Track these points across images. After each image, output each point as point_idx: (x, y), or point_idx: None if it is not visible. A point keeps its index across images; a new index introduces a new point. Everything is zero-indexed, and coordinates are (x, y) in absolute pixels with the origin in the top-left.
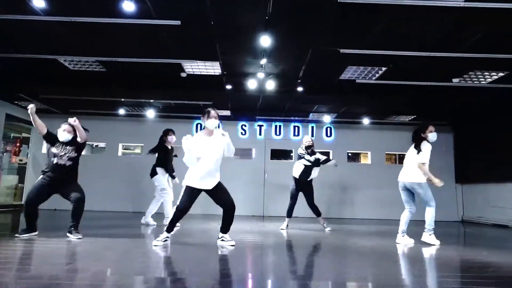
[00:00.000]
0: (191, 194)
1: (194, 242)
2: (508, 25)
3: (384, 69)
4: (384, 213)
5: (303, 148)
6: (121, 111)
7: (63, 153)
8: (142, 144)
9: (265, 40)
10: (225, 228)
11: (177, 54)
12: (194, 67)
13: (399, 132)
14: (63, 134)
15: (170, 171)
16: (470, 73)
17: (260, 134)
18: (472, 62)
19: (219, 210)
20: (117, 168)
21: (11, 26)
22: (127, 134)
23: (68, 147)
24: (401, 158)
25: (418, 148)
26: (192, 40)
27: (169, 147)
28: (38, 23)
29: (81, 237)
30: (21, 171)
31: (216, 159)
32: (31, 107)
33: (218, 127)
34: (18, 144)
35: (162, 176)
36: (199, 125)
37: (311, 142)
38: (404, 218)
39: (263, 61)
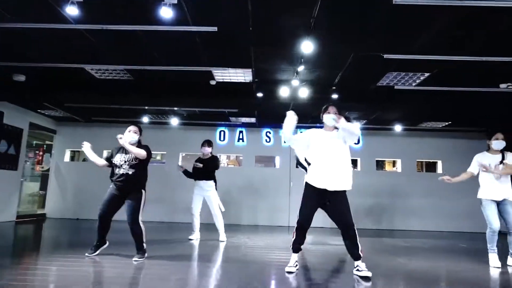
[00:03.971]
0: (310, 197)
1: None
2: None
3: (426, 74)
4: (417, 224)
5: None
6: (145, 119)
7: (123, 162)
8: (165, 152)
9: (306, 46)
10: (353, 254)
11: (209, 62)
12: (224, 75)
13: (431, 139)
14: (129, 135)
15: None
16: None
17: (285, 141)
18: None
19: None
20: None
21: (38, 35)
22: (148, 142)
23: (128, 154)
24: (428, 166)
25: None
26: (227, 47)
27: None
28: (67, 32)
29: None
30: (43, 179)
31: (336, 157)
32: (86, 145)
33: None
34: (41, 153)
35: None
36: (222, 132)
37: None
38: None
39: (300, 68)
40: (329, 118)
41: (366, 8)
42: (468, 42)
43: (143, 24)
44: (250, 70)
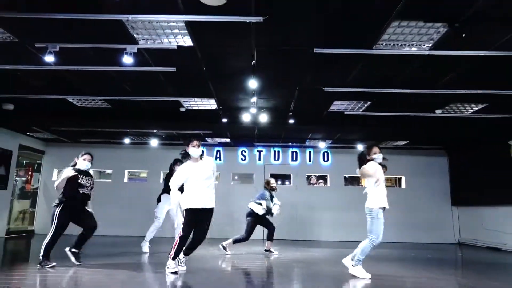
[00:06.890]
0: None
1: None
2: (476, 68)
3: (369, 102)
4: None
5: (268, 190)
6: (127, 140)
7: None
8: (147, 170)
9: (252, 84)
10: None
11: (175, 93)
12: (192, 103)
13: (396, 156)
14: (84, 162)
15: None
16: (451, 105)
17: (259, 159)
18: (450, 97)
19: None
20: (123, 193)
21: (23, 73)
22: (132, 161)
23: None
24: (399, 181)
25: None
26: (188, 82)
27: None
28: (48, 72)
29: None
30: (32, 196)
31: (206, 180)
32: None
33: (203, 154)
34: (30, 172)
35: (162, 203)
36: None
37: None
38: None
39: (254, 99)
40: (196, 151)
41: (293, 57)
42: (392, 79)
43: (112, 66)
44: (213, 99)
